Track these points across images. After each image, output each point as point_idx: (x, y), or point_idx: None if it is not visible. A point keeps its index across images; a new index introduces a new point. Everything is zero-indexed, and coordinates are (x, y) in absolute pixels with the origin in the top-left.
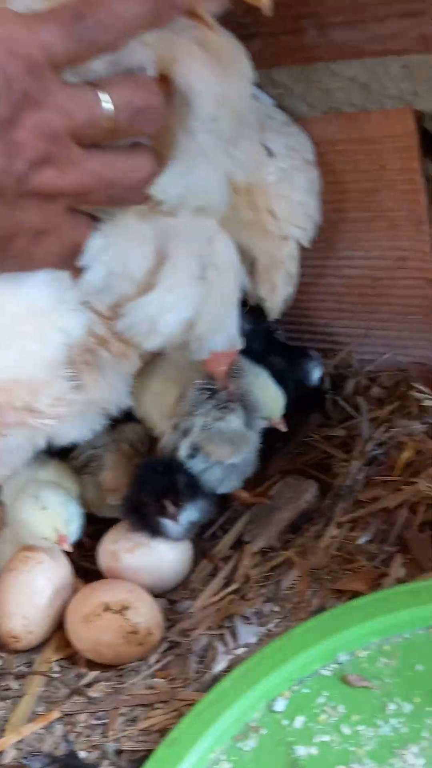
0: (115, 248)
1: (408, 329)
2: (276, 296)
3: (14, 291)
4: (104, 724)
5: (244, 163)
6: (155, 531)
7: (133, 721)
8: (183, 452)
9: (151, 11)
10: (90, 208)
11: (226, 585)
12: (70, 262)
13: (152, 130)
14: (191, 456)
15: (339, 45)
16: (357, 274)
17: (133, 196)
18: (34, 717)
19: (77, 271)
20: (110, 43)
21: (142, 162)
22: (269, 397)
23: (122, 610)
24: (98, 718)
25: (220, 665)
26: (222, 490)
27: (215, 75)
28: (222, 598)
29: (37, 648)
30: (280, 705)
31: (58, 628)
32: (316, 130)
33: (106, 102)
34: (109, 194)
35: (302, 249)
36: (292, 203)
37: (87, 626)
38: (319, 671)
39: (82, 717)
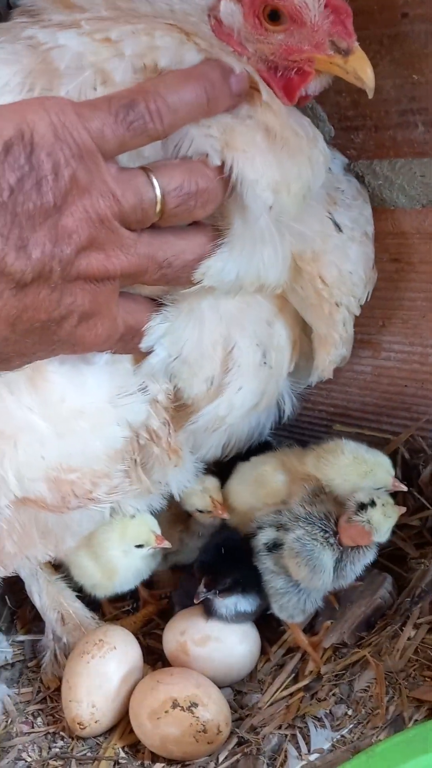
0: (180, 332)
1: None
2: (330, 359)
3: (75, 382)
4: None
5: (310, 238)
6: (206, 609)
7: None
8: (263, 539)
9: (205, 100)
10: (151, 292)
11: (296, 680)
12: (128, 345)
13: (203, 215)
14: (269, 548)
15: None
16: None
17: (187, 275)
18: None
19: (139, 355)
20: (161, 132)
21: (197, 243)
22: (378, 462)
23: (191, 707)
24: None
25: None
26: (277, 609)
27: (274, 163)
28: (292, 694)
29: (101, 733)
30: None
31: (125, 714)
32: (413, 221)
33: (156, 187)
34: (161, 274)
35: (388, 333)
36: (343, 272)
37: (154, 722)
38: None
39: None
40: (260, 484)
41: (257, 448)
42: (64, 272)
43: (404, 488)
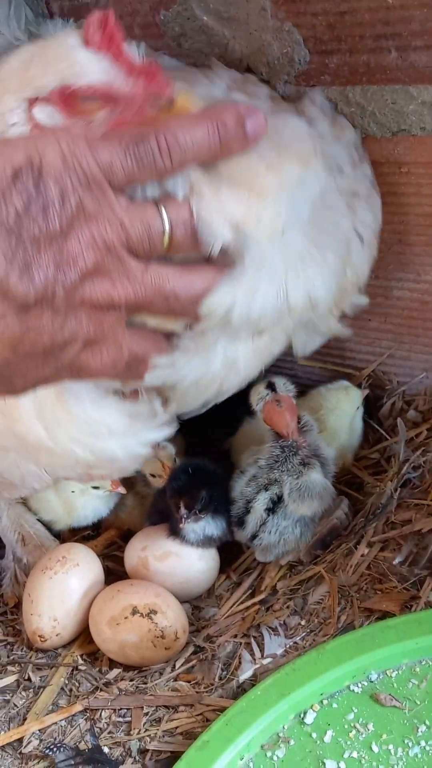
0: (184, 369)
1: None
2: None
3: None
4: (128, 722)
5: (334, 269)
6: (173, 530)
7: (157, 721)
8: (262, 505)
9: (217, 142)
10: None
11: (252, 595)
12: (132, 372)
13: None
14: (270, 510)
15: (419, 69)
16: (406, 296)
17: (194, 309)
18: (56, 709)
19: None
20: (170, 169)
21: (205, 276)
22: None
23: (150, 613)
24: (121, 716)
25: (246, 674)
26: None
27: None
28: (248, 608)
29: (61, 646)
30: (309, 718)
31: (85, 627)
32: (383, 150)
33: (165, 219)
34: (167, 307)
35: None
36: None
37: (113, 628)
38: (349, 687)
39: (105, 713)
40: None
41: None
42: (68, 297)
43: None
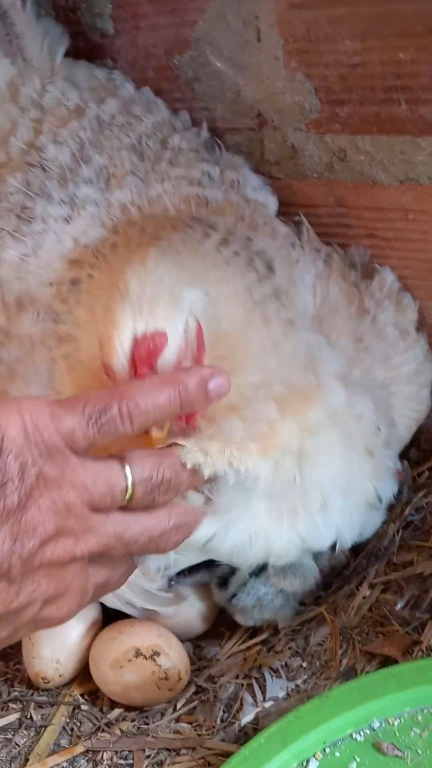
0: None
1: None
2: None
3: None
4: (129, 765)
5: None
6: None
7: (159, 765)
8: (247, 569)
9: (178, 404)
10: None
11: (253, 635)
12: (95, 599)
13: (167, 500)
14: (255, 574)
15: (428, 121)
16: None
17: (152, 548)
18: (57, 749)
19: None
20: (131, 431)
21: (162, 520)
22: None
23: (153, 655)
24: (123, 758)
25: (247, 717)
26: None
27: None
28: (249, 648)
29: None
30: (312, 767)
31: (85, 664)
32: (391, 197)
33: (128, 476)
34: (127, 551)
35: None
36: None
37: (117, 671)
38: (352, 736)
39: (107, 755)
40: None
41: None
42: (24, 565)
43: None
